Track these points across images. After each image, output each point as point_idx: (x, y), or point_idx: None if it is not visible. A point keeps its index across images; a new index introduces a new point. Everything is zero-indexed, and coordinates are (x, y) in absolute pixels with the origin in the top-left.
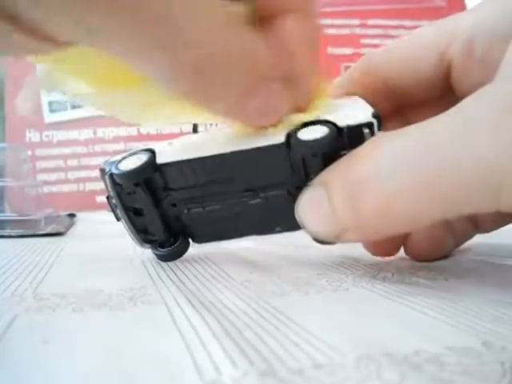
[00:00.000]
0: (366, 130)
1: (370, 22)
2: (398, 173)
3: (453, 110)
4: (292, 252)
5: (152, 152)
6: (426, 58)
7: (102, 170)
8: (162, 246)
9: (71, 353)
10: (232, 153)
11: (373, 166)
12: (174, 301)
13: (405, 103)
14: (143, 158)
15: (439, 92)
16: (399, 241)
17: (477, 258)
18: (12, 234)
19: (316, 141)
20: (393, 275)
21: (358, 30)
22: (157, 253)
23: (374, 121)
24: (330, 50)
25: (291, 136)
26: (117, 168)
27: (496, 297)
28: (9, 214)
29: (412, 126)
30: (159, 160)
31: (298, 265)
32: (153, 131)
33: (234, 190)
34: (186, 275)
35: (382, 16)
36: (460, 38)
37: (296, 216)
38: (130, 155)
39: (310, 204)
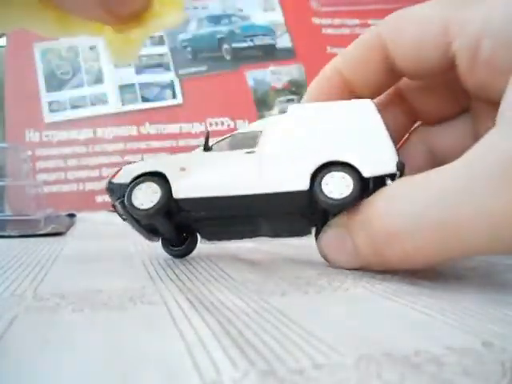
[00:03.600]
0: (389, 181)
1: (370, 21)
2: (416, 232)
3: (459, 164)
4: (292, 252)
5: (163, 177)
6: (432, 46)
7: (110, 191)
8: (171, 242)
9: (71, 353)
10: (253, 195)
11: (394, 224)
12: (174, 301)
13: (406, 83)
14: (157, 192)
15: (441, 74)
16: None
17: (477, 257)
18: (12, 234)
19: (342, 199)
20: (393, 275)
21: (358, 30)
22: (168, 251)
23: (398, 173)
24: (330, 49)
25: (316, 186)
26: (130, 202)
27: (496, 297)
28: (9, 214)
29: (423, 180)
30: (176, 195)
31: (298, 265)
32: (153, 131)
33: (250, 215)
34: (186, 275)
35: (382, 16)
36: (467, 35)
37: (318, 249)
38: (139, 181)
39: (332, 242)
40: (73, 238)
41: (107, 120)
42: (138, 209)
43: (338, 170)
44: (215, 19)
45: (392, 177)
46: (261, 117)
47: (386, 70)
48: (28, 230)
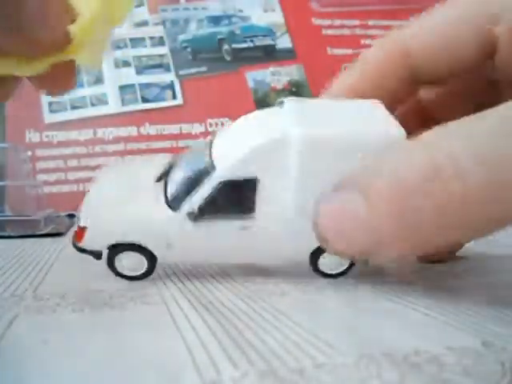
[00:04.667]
0: None
1: (370, 22)
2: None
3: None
4: None
5: (149, 253)
6: (465, 39)
7: (79, 251)
8: None
9: (71, 353)
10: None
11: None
12: (174, 301)
13: (423, 81)
14: (144, 262)
15: (472, 68)
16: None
17: (476, 257)
18: (12, 234)
19: (340, 273)
20: (393, 275)
21: (358, 31)
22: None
23: None
24: (330, 50)
25: (312, 265)
26: (114, 269)
27: (496, 296)
28: (9, 214)
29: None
30: (164, 262)
31: (298, 265)
32: (153, 132)
33: None
34: (186, 276)
35: (382, 16)
36: (509, 18)
37: (313, 229)
38: (120, 250)
39: (338, 213)
40: None
41: (107, 120)
42: (124, 275)
43: None
44: (215, 20)
45: None
46: None
47: (406, 74)
48: (28, 230)
